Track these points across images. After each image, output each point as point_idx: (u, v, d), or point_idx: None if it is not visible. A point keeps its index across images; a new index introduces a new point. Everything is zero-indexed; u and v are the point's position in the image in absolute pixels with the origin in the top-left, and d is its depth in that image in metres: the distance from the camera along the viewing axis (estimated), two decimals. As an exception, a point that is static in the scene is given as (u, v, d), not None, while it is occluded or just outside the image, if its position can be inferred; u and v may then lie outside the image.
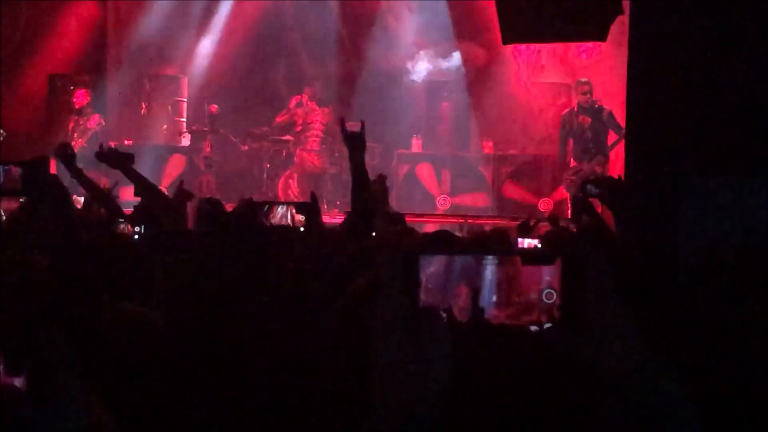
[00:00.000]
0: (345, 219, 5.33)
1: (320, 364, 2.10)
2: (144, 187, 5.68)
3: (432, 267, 1.51)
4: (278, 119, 17.05)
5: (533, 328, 1.51)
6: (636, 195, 5.09)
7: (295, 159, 16.77)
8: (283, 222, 4.89)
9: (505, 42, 9.59)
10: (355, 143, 5.25)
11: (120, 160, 5.90)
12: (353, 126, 5.34)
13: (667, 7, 5.36)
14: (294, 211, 5.34)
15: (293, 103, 17.08)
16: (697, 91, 5.27)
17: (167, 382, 2.49)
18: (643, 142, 5.32)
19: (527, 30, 8.62)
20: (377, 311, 1.48)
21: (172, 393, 2.44)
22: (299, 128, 16.92)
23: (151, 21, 18.18)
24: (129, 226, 5.46)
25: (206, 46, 18.29)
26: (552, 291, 1.51)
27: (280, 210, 5.00)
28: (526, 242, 6.29)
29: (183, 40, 18.19)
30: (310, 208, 5.52)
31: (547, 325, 1.50)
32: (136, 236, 5.29)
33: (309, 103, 16.99)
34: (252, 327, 2.23)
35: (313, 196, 5.67)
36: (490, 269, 1.52)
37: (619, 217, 5.20)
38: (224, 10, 18.27)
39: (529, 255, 1.53)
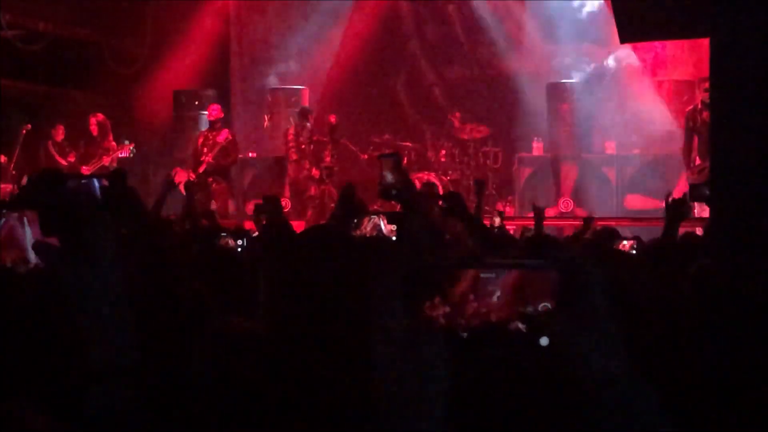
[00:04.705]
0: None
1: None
2: None
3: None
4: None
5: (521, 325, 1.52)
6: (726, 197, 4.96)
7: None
8: (374, 233, 4.85)
9: (623, 41, 9.45)
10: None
11: None
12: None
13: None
14: (385, 221, 5.25)
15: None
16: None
17: (270, 393, 2.51)
18: (728, 137, 5.19)
19: (644, 28, 8.46)
20: (377, 322, 1.50)
21: (274, 405, 2.46)
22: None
23: (273, 34, 18.46)
24: (231, 240, 5.55)
25: (326, 57, 18.47)
26: (548, 305, 1.50)
27: (372, 220, 4.95)
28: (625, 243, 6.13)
29: (303, 52, 18.41)
30: (401, 218, 5.29)
31: (543, 340, 1.50)
32: (239, 249, 5.37)
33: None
34: (345, 340, 2.24)
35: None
36: None
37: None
38: (343, 21, 18.42)
39: (530, 268, 1.53)
